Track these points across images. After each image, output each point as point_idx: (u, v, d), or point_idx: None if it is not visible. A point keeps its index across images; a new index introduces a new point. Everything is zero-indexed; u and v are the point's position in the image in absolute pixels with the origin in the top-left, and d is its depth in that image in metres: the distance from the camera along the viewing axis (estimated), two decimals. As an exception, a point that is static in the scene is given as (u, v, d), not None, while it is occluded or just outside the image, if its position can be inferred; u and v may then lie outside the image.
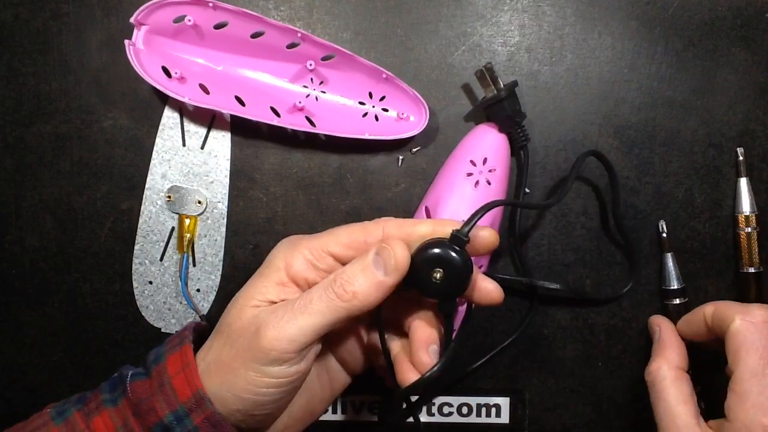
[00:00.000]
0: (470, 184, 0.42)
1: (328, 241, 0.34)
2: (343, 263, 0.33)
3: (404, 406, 0.39)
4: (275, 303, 0.33)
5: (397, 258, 0.31)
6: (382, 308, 0.34)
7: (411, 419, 0.40)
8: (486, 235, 0.33)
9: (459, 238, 0.32)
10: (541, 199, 0.45)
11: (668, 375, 0.37)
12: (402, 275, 0.32)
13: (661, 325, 0.42)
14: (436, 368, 0.32)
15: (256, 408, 0.32)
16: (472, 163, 0.42)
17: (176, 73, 0.41)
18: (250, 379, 0.31)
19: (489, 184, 0.42)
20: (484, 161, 0.42)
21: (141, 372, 0.34)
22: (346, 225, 0.35)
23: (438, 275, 0.32)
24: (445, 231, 0.32)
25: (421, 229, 0.33)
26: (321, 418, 0.45)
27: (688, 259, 0.45)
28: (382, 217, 0.35)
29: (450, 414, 0.46)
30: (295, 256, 0.34)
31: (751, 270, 0.44)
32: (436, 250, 0.32)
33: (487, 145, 0.42)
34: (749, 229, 0.44)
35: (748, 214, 0.44)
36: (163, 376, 0.33)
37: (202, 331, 0.37)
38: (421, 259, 0.32)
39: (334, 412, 0.46)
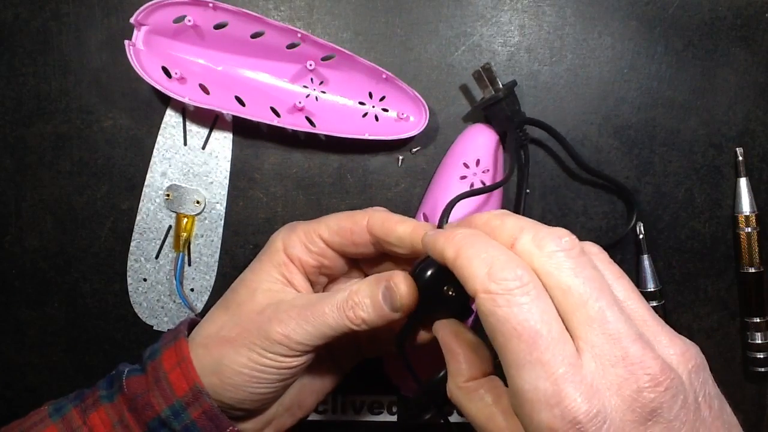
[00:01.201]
0: (465, 187, 0.41)
1: (319, 226, 0.35)
2: (331, 248, 0.35)
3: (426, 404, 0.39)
4: (283, 283, 0.35)
5: (401, 297, 0.31)
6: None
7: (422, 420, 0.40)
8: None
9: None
10: (541, 198, 0.45)
11: (460, 394, 0.30)
12: (409, 311, 0.32)
13: (437, 332, 0.32)
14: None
15: (252, 384, 0.33)
16: (465, 165, 0.42)
17: (176, 73, 0.41)
18: (252, 357, 0.32)
19: (483, 185, 0.42)
20: (477, 162, 0.42)
21: (137, 368, 0.35)
22: (339, 212, 0.35)
23: (451, 291, 0.31)
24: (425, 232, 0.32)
25: (400, 229, 0.33)
26: (322, 419, 0.46)
27: (688, 259, 0.45)
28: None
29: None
30: (292, 238, 0.35)
31: (751, 270, 0.44)
32: (432, 270, 0.31)
33: (478, 146, 0.42)
34: (749, 229, 0.44)
35: (748, 214, 0.44)
36: (159, 372, 0.33)
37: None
38: (425, 284, 0.31)
39: (335, 412, 0.46)
